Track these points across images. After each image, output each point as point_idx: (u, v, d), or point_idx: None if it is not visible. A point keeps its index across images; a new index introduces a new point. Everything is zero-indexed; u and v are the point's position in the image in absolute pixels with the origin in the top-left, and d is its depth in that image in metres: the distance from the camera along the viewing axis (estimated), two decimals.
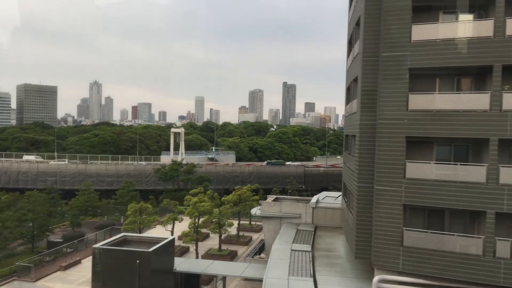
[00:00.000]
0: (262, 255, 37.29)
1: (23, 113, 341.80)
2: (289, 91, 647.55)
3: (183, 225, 42.55)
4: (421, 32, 19.41)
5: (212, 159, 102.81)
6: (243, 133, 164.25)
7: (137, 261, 24.32)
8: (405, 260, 19.66)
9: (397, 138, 19.86)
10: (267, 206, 35.60)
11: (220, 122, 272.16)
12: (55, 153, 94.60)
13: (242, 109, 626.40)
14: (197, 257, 36.51)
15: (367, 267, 23.26)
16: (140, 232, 38.03)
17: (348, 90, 27.92)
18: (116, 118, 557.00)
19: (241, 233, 46.87)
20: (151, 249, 24.73)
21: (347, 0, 29.25)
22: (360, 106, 21.87)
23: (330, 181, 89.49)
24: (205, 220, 38.97)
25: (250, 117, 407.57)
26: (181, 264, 28.65)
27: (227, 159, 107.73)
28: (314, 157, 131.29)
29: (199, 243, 43.50)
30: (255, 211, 37.21)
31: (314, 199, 36.14)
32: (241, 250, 42.60)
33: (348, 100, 28.08)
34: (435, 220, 20.47)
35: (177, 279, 28.53)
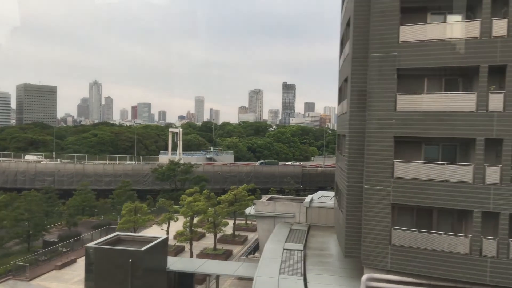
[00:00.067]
0: (257, 254, 37.50)
1: (22, 113, 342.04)
2: (288, 91, 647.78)
3: (179, 225, 42.74)
4: (409, 33, 19.60)
5: (210, 159, 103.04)
6: (242, 133, 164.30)
7: (130, 260, 24.47)
8: (393, 259, 19.84)
9: (386, 138, 20.05)
10: (261, 206, 35.77)
11: (220, 122, 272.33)
12: (54, 153, 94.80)
13: (242, 109, 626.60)
14: (191, 256, 36.73)
15: (357, 266, 23.42)
16: (135, 232, 38.22)
17: (340, 90, 28.10)
18: (116, 118, 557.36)
19: (236, 233, 47.11)
20: (143, 248, 24.90)
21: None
22: (350, 106, 22.08)
23: (328, 181, 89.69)
24: (200, 219, 39.19)
25: (250, 117, 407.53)
26: (175, 263, 28.83)
27: (226, 159, 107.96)
28: (312, 157, 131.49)
29: (195, 243, 43.81)
30: (249, 210, 37.40)
31: (308, 198, 36.35)
32: (237, 249, 42.82)
33: (340, 100, 28.25)
34: (424, 219, 20.66)
35: (170, 278, 28.71)
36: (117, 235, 28.55)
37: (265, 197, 38.87)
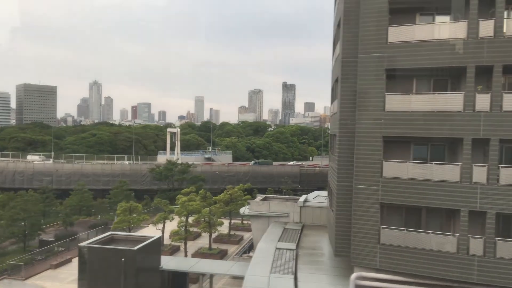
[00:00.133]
0: (251, 253, 37.61)
1: (22, 113, 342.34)
2: (288, 91, 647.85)
3: (175, 224, 42.90)
4: (398, 33, 19.77)
5: (209, 159, 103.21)
6: (241, 133, 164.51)
7: (122, 259, 24.65)
8: (382, 258, 20.00)
9: (375, 138, 20.21)
10: (256, 205, 35.92)
11: (220, 122, 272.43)
12: (52, 153, 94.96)
13: (242, 109, 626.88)
14: (186, 255, 36.90)
15: (348, 265, 23.51)
16: (130, 231, 38.38)
17: (333, 90, 28.24)
18: (116, 118, 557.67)
19: (232, 232, 47.28)
20: (136, 247, 25.08)
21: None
22: (340, 106, 22.25)
23: (325, 181, 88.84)
24: (195, 219, 39.35)
25: (250, 117, 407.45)
26: (168, 263, 29.00)
27: (224, 158, 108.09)
28: (310, 157, 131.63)
29: (191, 242, 44.04)
30: (243, 210, 37.56)
31: (302, 198, 36.51)
32: (232, 248, 42.99)
33: (332, 100, 28.40)
34: (413, 218, 20.81)
35: (164, 277, 28.86)
36: (111, 234, 28.73)
37: (259, 197, 39.02)
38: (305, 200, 35.70)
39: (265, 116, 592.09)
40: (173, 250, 40.41)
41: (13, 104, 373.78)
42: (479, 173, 18.43)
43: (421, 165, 19.64)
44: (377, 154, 20.15)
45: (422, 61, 19.44)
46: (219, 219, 41.27)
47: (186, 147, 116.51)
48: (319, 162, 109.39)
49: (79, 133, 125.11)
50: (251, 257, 35.23)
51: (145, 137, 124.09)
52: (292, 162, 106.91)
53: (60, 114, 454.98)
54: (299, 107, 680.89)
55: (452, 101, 19.03)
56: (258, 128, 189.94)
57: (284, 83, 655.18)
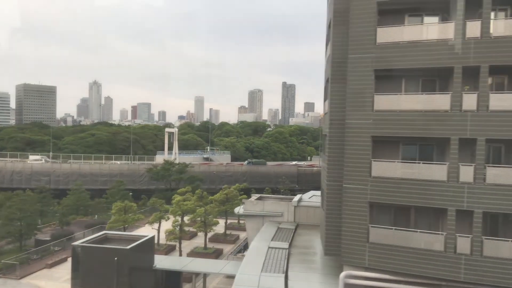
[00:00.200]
0: (245, 252, 37.79)
1: (22, 113, 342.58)
2: (288, 91, 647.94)
3: (171, 224, 43.11)
4: (386, 34, 19.95)
5: (207, 159, 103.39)
6: (240, 133, 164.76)
7: (115, 258, 24.83)
8: (371, 256, 20.18)
9: (363, 138, 20.39)
10: (250, 205, 36.07)
11: (220, 122, 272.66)
12: (51, 153, 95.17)
13: (242, 109, 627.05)
14: (180, 255, 37.09)
15: (339, 264, 23.75)
16: (125, 231, 38.57)
17: (325, 90, 28.42)
18: (116, 118, 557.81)
19: (228, 232, 47.51)
20: (128, 247, 25.26)
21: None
22: (330, 106, 22.44)
23: None
24: (190, 218, 39.53)
25: (250, 117, 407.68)
26: (161, 262, 29.17)
27: (223, 158, 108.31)
28: (309, 157, 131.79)
29: (187, 242, 44.27)
30: (238, 209, 37.73)
31: (296, 198, 36.67)
32: (228, 248, 43.22)
33: (324, 100, 28.57)
34: (402, 217, 20.99)
35: (157, 276, 29.04)
36: (105, 233, 28.93)
37: (254, 196, 39.20)
38: (299, 200, 35.87)
39: (265, 116, 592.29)
40: (169, 250, 40.64)
41: (12, 104, 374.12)
42: (466, 173, 18.60)
43: (409, 165, 19.82)
44: (366, 154, 20.34)
45: (410, 61, 19.62)
46: (214, 219, 41.46)
47: (185, 147, 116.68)
48: (317, 162, 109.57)
49: (78, 133, 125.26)
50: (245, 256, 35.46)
51: (143, 137, 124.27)
52: (294, 162, 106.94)
53: (60, 114, 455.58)
54: (299, 107, 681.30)
55: (440, 101, 19.21)
56: (257, 128, 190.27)
57: (284, 83, 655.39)
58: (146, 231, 44.67)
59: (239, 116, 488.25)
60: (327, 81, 25.04)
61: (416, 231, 19.58)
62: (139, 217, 40.38)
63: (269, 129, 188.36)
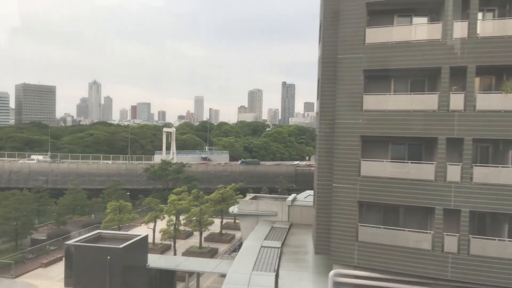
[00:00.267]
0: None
1: (22, 113, 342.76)
2: (288, 90, 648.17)
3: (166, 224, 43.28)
4: (375, 35, 20.11)
5: (205, 159, 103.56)
6: (239, 133, 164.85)
7: (108, 257, 24.99)
8: (360, 255, 20.35)
9: (353, 138, 20.55)
10: (245, 204, 36.25)
11: (219, 122, 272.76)
12: (49, 153, 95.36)
13: (242, 109, 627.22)
14: (175, 254, 37.22)
15: (330, 262, 23.92)
16: (120, 230, 38.73)
17: (318, 90, 28.59)
18: (115, 118, 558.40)
19: (224, 231, 47.64)
20: (121, 246, 25.42)
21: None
22: (320, 106, 22.61)
23: None
24: (185, 218, 39.67)
25: (249, 117, 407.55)
26: (155, 261, 29.33)
27: (221, 158, 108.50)
28: (307, 157, 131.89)
29: (183, 241, 44.41)
30: (232, 209, 37.90)
31: (290, 197, 36.84)
32: (223, 247, 43.34)
33: (317, 100, 28.75)
34: (391, 216, 21.18)
35: (151, 275, 29.19)
36: (98, 232, 29.09)
37: (249, 196, 39.36)
38: (294, 200, 36.02)
39: (264, 116, 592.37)
40: (164, 249, 40.77)
41: (12, 104, 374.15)
42: (453, 172, 18.77)
43: (398, 164, 19.99)
44: (355, 154, 20.50)
45: (399, 62, 19.78)
46: (210, 218, 41.61)
47: (184, 147, 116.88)
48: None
49: (77, 133, 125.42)
50: None
51: (142, 137, 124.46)
52: (296, 162, 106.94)
53: (59, 114, 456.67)
54: (299, 107, 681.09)
55: (427, 101, 19.38)
56: (256, 128, 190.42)
57: (284, 83, 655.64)
58: (142, 230, 44.75)
59: (239, 116, 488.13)
60: (318, 81, 25.19)
61: (404, 230, 19.75)
62: (134, 217, 40.50)
63: (268, 129, 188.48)
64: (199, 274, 30.02)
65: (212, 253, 40.20)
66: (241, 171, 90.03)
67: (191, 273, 31.00)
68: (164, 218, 41.16)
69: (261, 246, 27.58)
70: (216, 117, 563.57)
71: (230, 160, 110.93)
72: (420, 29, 19.66)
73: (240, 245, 41.24)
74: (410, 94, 20.20)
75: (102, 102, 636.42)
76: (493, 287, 18.10)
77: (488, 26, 18.90)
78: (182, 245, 42.76)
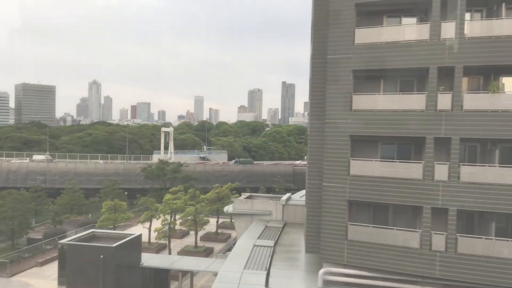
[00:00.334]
0: None
1: (21, 112, 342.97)
2: (288, 90, 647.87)
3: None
4: (364, 35, 20.27)
5: (204, 158, 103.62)
6: (238, 133, 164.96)
7: (101, 256, 25.15)
8: (349, 253, 20.52)
9: (342, 137, 20.71)
10: (239, 204, 36.42)
11: (219, 121, 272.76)
12: (47, 153, 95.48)
13: (241, 109, 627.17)
14: (169, 253, 37.43)
15: (321, 261, 24.09)
16: (116, 229, 38.90)
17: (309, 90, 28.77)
18: (115, 117, 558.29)
19: (220, 231, 47.84)
20: (114, 245, 25.59)
21: None
22: (310, 106, 22.78)
23: None
24: (181, 217, 39.84)
25: (249, 117, 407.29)
26: (149, 260, 29.49)
27: (219, 158, 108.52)
28: (305, 156, 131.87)
29: (178, 240, 44.63)
30: (227, 208, 38.09)
31: (285, 196, 37.01)
32: (219, 246, 43.54)
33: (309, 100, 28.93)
34: (380, 215, 21.37)
35: (145, 274, 29.36)
36: (92, 231, 29.26)
37: (244, 195, 39.53)
38: (288, 199, 36.19)
39: (264, 116, 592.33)
40: (160, 248, 40.95)
41: (12, 104, 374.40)
42: (441, 171, 18.94)
43: (387, 163, 20.16)
44: (345, 153, 20.66)
45: (388, 62, 19.94)
46: (205, 218, 41.79)
47: (182, 146, 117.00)
48: None
49: (76, 133, 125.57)
50: None
51: (141, 137, 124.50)
52: (298, 162, 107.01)
53: (59, 114, 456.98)
54: (299, 107, 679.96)
55: (416, 101, 19.55)
56: (255, 127, 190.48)
57: (284, 83, 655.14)
58: (137, 230, 44.94)
59: (238, 116, 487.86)
60: (310, 81, 25.36)
61: (393, 229, 19.92)
62: (129, 216, 40.66)
63: (267, 128, 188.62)
64: (193, 273, 30.18)
65: (208, 252, 40.38)
66: (239, 170, 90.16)
67: (185, 272, 31.18)
68: (159, 217, 41.34)
69: (254, 245, 27.76)
70: (216, 117, 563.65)
71: (228, 160, 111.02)
72: (408, 30, 19.82)
73: (235, 244, 41.48)
74: (399, 94, 20.37)
75: (102, 102, 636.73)
76: (480, 285, 18.29)
77: (475, 26, 19.07)
78: (178, 244, 42.98)
